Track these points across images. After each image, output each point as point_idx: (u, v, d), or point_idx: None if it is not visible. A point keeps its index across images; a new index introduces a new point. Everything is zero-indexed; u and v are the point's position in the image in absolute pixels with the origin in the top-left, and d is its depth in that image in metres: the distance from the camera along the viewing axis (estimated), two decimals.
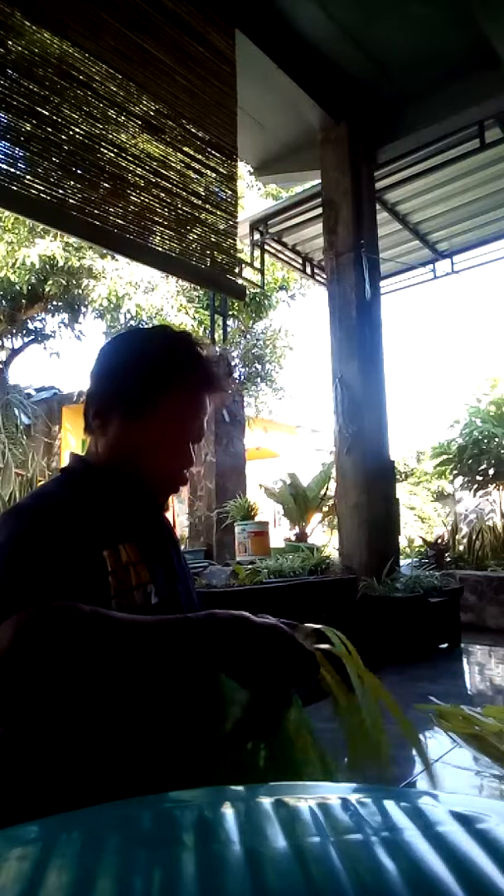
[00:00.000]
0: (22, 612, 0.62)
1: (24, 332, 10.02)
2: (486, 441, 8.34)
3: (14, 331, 9.75)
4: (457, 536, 6.46)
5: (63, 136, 2.98)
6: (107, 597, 0.74)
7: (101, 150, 3.14)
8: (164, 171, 3.48)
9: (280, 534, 6.71)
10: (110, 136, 3.19)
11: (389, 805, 0.32)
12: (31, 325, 9.96)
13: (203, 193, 3.71)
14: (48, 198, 2.90)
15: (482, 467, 8.39)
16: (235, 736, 0.70)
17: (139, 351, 0.91)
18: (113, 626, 0.65)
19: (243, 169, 6.15)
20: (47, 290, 8.54)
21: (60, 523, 0.75)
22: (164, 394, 0.87)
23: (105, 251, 7.39)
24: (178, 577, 0.93)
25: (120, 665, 0.64)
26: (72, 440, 8.62)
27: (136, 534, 0.85)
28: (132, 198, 3.29)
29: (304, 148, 5.09)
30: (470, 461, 8.39)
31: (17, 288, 8.38)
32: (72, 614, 0.64)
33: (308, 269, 6.83)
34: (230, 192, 3.92)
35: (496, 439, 8.29)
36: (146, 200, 3.37)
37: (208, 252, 3.72)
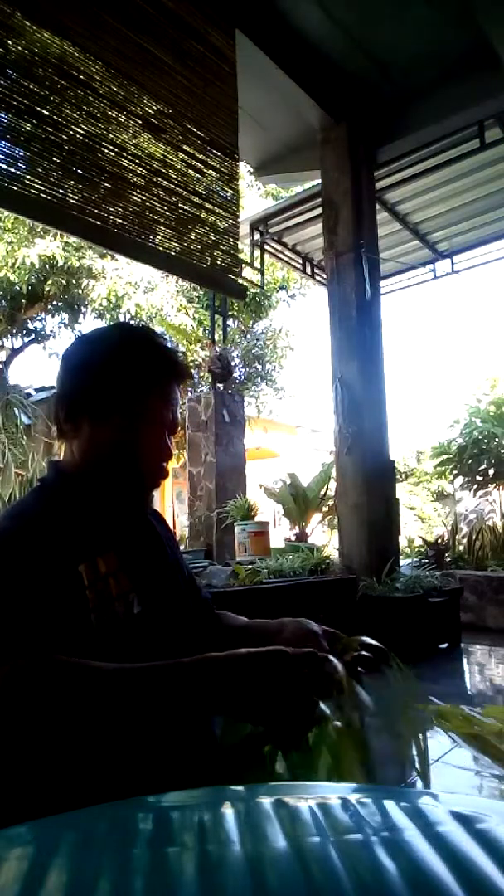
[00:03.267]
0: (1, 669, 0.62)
1: (24, 332, 10.02)
2: (486, 441, 8.34)
3: (14, 331, 9.75)
4: (457, 536, 6.46)
5: (63, 136, 2.98)
6: (85, 612, 0.73)
7: (102, 149, 3.14)
8: (165, 171, 3.48)
9: (280, 534, 6.71)
10: (111, 135, 3.19)
11: (389, 805, 0.32)
12: (31, 325, 9.96)
13: (204, 193, 3.71)
14: (48, 198, 2.90)
15: (482, 467, 8.39)
16: (249, 745, 0.68)
17: (99, 351, 0.89)
18: (97, 679, 0.63)
19: (243, 169, 6.15)
20: (47, 290, 8.55)
21: (33, 549, 0.73)
22: (129, 391, 0.86)
23: (105, 251, 7.39)
24: (166, 578, 0.90)
25: (107, 716, 0.62)
26: None
27: (116, 541, 0.83)
28: (133, 197, 3.29)
29: (304, 148, 5.09)
30: (470, 461, 8.39)
31: (17, 288, 8.38)
32: (52, 669, 0.62)
33: (308, 269, 6.83)
34: (231, 192, 3.92)
35: (496, 439, 8.29)
36: (147, 200, 3.37)
37: (209, 252, 3.72)
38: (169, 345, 0.95)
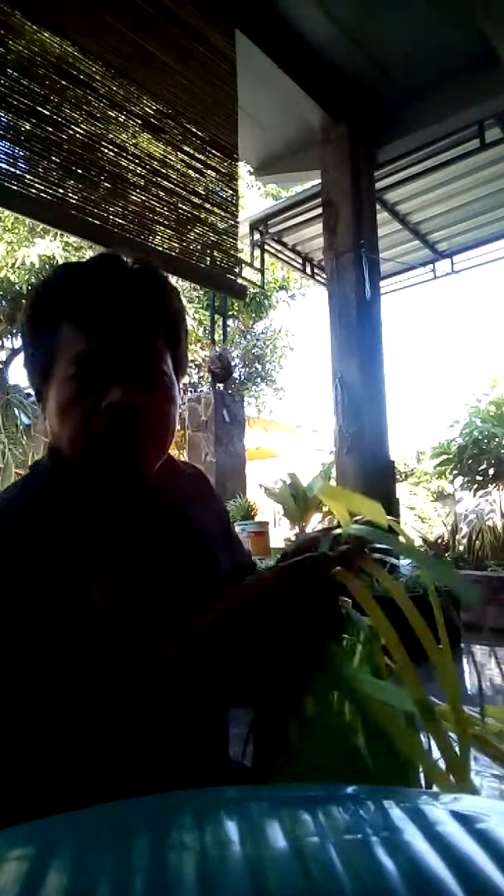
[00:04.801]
0: None
1: None
2: (486, 441, 8.35)
3: (14, 331, 9.76)
4: (457, 536, 6.46)
5: (63, 136, 2.98)
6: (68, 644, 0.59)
7: (102, 149, 3.14)
8: (165, 171, 3.48)
9: (280, 534, 6.72)
10: (110, 135, 3.19)
11: (389, 805, 0.32)
12: None
13: (203, 193, 3.71)
14: (48, 197, 2.90)
15: (482, 467, 8.40)
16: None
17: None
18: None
19: (243, 169, 6.16)
20: None
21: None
22: (38, 343, 0.70)
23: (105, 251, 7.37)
24: (180, 584, 0.70)
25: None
26: None
27: (115, 551, 0.66)
28: (132, 197, 3.29)
29: (304, 148, 5.09)
30: (470, 461, 8.40)
31: (17, 288, 8.38)
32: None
33: (308, 269, 6.83)
34: (231, 192, 3.92)
35: (496, 439, 8.30)
36: (146, 200, 3.37)
37: (209, 252, 3.72)
38: (86, 277, 0.70)
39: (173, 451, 0.80)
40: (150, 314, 0.70)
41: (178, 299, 0.75)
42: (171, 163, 3.52)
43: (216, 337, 7.00)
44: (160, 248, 3.44)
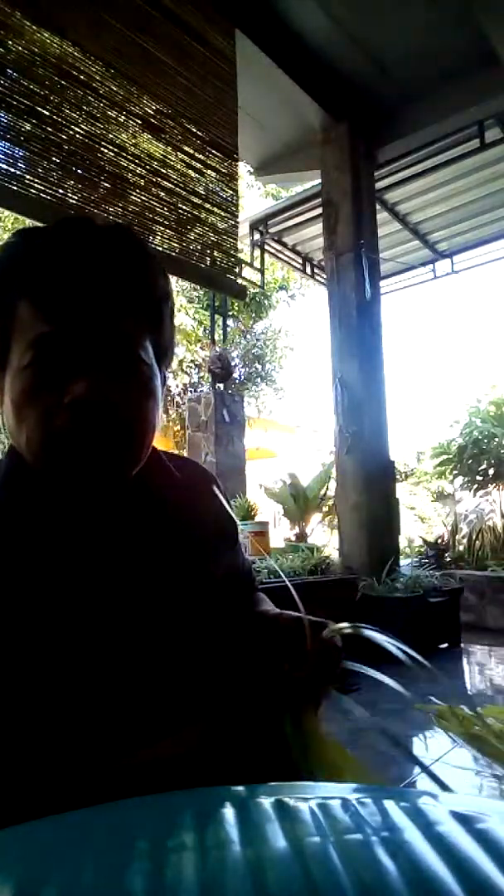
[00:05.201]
0: None
1: None
2: (486, 441, 8.34)
3: None
4: (457, 536, 6.46)
5: (63, 136, 2.98)
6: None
7: (102, 149, 3.14)
8: (165, 171, 3.48)
9: (280, 534, 6.72)
10: (110, 135, 3.19)
11: (389, 805, 0.32)
12: None
13: (203, 193, 3.71)
14: (48, 197, 2.90)
15: (482, 467, 8.39)
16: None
17: None
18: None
19: (243, 169, 6.16)
20: None
21: None
22: None
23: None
24: (159, 607, 0.61)
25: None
26: None
27: (78, 564, 0.57)
28: (132, 197, 3.29)
29: (304, 148, 5.09)
30: (470, 461, 8.40)
31: None
32: None
33: (308, 269, 6.83)
34: (231, 192, 3.92)
35: (496, 439, 8.30)
36: (146, 200, 3.37)
37: (209, 252, 3.72)
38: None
39: (174, 451, 0.68)
40: (124, 289, 0.57)
41: (161, 272, 0.62)
42: (171, 163, 3.52)
43: (216, 337, 7.00)
44: (160, 249, 3.44)
